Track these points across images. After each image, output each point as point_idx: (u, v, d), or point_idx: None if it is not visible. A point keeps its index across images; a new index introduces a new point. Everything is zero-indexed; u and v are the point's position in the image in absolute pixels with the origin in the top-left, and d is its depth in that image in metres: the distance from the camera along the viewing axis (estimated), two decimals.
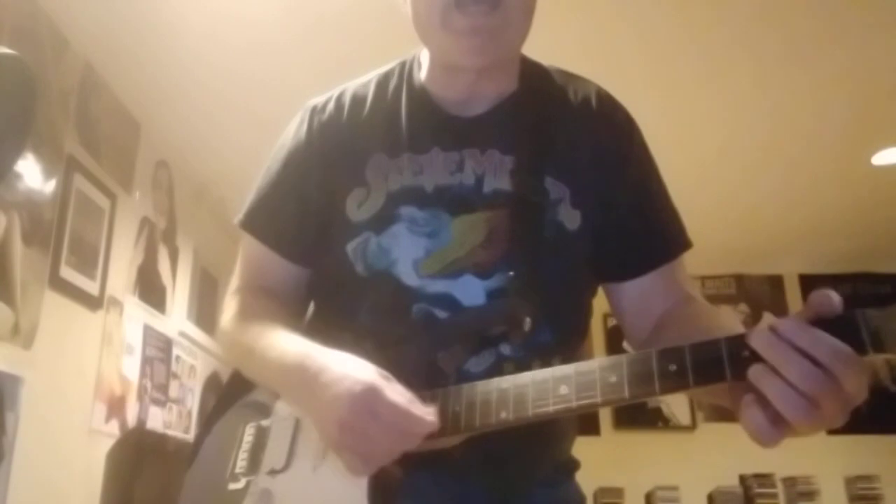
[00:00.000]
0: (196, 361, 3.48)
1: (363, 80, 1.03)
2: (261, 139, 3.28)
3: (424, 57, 0.99)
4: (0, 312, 1.97)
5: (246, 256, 1.04)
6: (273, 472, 0.86)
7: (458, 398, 0.76)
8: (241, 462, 0.91)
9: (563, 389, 0.70)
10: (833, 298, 0.61)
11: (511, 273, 0.86)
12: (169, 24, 2.38)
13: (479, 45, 0.86)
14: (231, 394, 1.01)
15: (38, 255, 2.17)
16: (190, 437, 3.34)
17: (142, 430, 2.79)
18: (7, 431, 1.96)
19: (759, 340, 0.60)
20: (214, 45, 2.50)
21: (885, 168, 3.47)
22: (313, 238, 0.96)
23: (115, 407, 2.60)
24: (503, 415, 0.72)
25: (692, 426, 4.46)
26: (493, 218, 0.89)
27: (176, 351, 3.21)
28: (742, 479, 4.20)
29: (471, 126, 0.94)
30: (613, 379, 0.67)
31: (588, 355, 0.84)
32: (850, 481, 4.24)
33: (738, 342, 0.62)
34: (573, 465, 0.98)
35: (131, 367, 2.75)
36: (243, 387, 0.99)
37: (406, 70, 1.01)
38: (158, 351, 3.01)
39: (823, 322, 0.60)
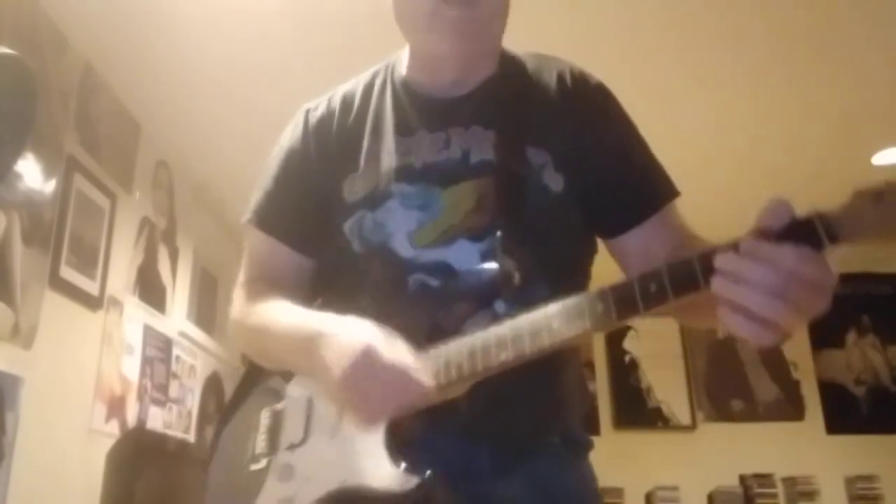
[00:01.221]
0: (196, 361, 3.48)
1: (352, 81, 1.11)
2: (260, 139, 3.28)
3: (406, 54, 1.07)
4: (0, 312, 1.97)
5: (252, 253, 1.09)
6: (292, 447, 0.92)
7: (459, 349, 0.81)
8: (260, 444, 0.96)
9: (556, 323, 0.76)
10: (787, 205, 0.68)
11: (499, 233, 0.90)
12: (169, 25, 2.38)
13: (463, 34, 0.95)
14: (246, 385, 1.07)
15: (38, 255, 2.17)
16: (190, 436, 3.33)
17: (142, 430, 2.79)
18: (7, 431, 1.96)
19: (721, 258, 0.67)
20: (214, 46, 2.50)
21: (885, 168, 3.47)
22: (316, 226, 1.02)
23: (115, 407, 2.60)
24: (503, 356, 0.78)
25: (692, 426, 4.46)
26: (481, 185, 0.94)
27: (176, 351, 3.21)
28: (742, 479, 4.20)
29: (453, 106, 1.01)
30: (601, 307, 0.74)
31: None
32: (850, 481, 4.24)
33: (708, 257, 0.69)
34: (584, 443, 1.01)
35: (131, 367, 2.75)
36: (257, 377, 1.05)
37: (390, 67, 1.09)
38: (158, 351, 3.01)
39: (783, 228, 0.67)
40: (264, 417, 0.98)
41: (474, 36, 0.96)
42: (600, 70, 1.04)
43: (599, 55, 2.62)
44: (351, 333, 0.83)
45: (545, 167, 0.96)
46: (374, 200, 0.96)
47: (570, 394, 0.99)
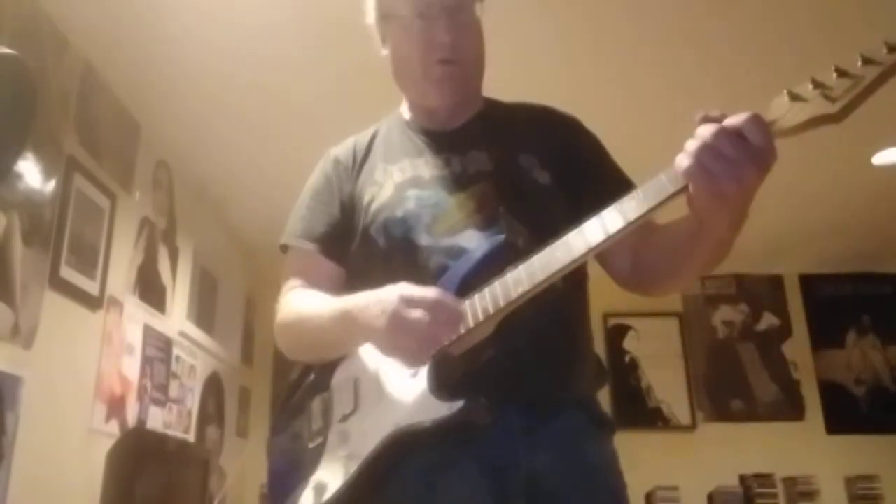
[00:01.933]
0: (196, 361, 3.48)
1: (364, 131, 1.32)
2: (260, 139, 3.31)
3: (404, 107, 1.30)
4: (0, 312, 1.97)
5: (292, 272, 1.23)
6: (345, 417, 1.05)
7: (482, 297, 0.96)
8: (317, 423, 1.09)
9: (559, 252, 0.92)
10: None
11: (502, 208, 1.08)
12: (169, 25, 2.39)
13: (450, 89, 1.19)
14: (295, 388, 1.19)
15: (38, 255, 2.17)
16: (190, 436, 3.34)
17: (142, 430, 2.79)
18: (7, 431, 1.96)
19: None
20: (215, 46, 2.50)
21: (885, 168, 3.47)
22: (346, 238, 1.19)
23: (115, 407, 2.60)
24: (520, 289, 0.92)
25: (692, 426, 4.47)
26: (482, 188, 1.12)
27: (176, 351, 3.21)
28: (742, 479, 4.20)
29: (452, 137, 1.21)
30: (597, 224, 0.90)
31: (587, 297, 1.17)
32: (850, 481, 4.24)
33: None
34: (609, 423, 1.13)
35: (131, 367, 2.75)
36: (302, 381, 1.18)
37: (393, 116, 1.31)
38: (158, 351, 3.02)
39: None
40: (315, 405, 1.11)
41: (460, 86, 1.20)
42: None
43: (609, 60, 2.64)
44: (383, 291, 0.97)
45: (534, 167, 1.15)
46: (394, 205, 1.14)
47: (586, 362, 1.13)
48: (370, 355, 1.06)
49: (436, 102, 1.21)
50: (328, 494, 0.99)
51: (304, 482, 1.04)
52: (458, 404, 0.92)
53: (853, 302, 4.73)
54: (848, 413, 4.50)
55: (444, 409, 0.93)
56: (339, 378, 1.09)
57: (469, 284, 0.99)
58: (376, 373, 1.04)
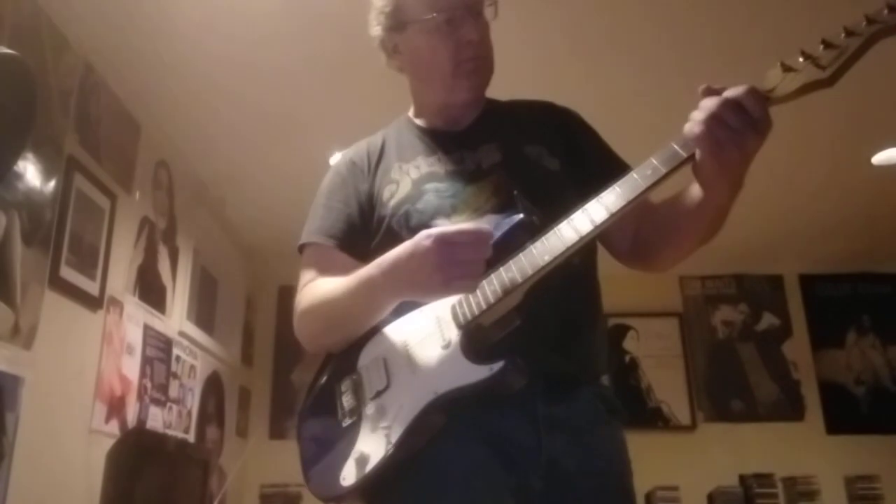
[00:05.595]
0: (196, 361, 3.48)
1: (373, 136, 1.36)
2: (260, 139, 3.30)
3: (411, 113, 1.36)
4: (0, 312, 1.97)
5: (308, 266, 1.25)
6: (378, 394, 1.07)
7: (508, 268, 1.01)
8: (348, 403, 1.10)
9: (582, 221, 0.98)
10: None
11: (516, 192, 1.10)
12: (169, 25, 2.39)
13: (479, 81, 1.26)
14: (320, 377, 1.20)
15: (38, 255, 2.17)
16: (190, 437, 3.34)
17: (142, 430, 2.79)
18: (7, 431, 1.96)
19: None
20: (214, 46, 2.51)
21: (885, 168, 3.48)
22: (362, 232, 1.23)
23: (115, 407, 2.60)
24: (547, 257, 0.98)
25: (692, 426, 4.47)
26: (496, 178, 1.18)
27: (176, 351, 3.21)
28: (742, 479, 4.20)
29: (462, 136, 1.27)
30: (612, 196, 0.97)
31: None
32: (850, 481, 4.24)
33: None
34: (620, 410, 1.16)
35: (131, 367, 2.76)
36: (326, 369, 1.19)
37: (402, 120, 1.36)
38: (158, 351, 3.02)
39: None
40: (343, 387, 1.12)
41: (485, 79, 1.27)
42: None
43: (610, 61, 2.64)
44: (414, 240, 1.00)
45: (542, 156, 1.21)
46: (414, 197, 1.18)
47: (602, 336, 1.21)
48: (393, 335, 1.10)
49: (465, 96, 1.25)
50: (371, 464, 1.02)
51: (342, 458, 1.06)
52: (499, 364, 0.97)
53: (853, 302, 4.73)
54: (848, 413, 4.50)
55: (484, 371, 0.97)
56: (365, 360, 1.12)
57: (491, 262, 1.02)
58: (405, 349, 1.07)
